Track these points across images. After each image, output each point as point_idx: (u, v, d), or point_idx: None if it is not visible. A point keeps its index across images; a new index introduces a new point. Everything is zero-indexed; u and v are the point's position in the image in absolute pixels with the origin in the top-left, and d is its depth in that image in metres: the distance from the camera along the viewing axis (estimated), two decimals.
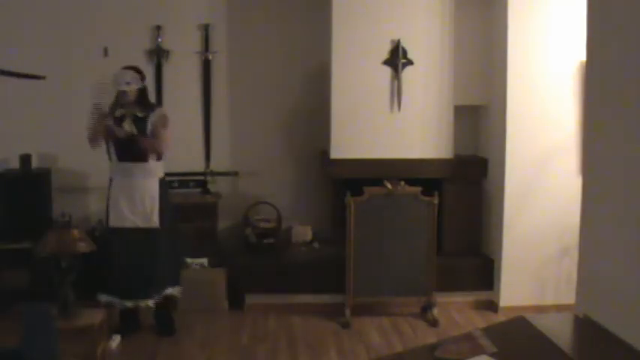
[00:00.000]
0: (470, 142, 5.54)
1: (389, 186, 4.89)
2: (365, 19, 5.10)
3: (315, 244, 5.48)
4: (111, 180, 4.64)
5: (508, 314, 4.67)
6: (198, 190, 5.56)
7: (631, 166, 2.79)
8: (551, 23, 4.94)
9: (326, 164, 5.30)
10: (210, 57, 5.63)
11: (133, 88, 4.51)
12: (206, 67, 5.64)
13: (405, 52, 5.13)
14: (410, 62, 5.12)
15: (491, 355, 2.64)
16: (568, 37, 4.90)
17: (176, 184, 5.51)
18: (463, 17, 5.24)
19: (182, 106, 5.65)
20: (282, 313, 5.07)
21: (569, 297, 4.29)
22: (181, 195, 5.51)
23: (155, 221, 4.54)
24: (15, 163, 5.30)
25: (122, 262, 4.52)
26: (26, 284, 5.02)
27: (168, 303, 4.71)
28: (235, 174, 5.67)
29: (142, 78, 4.60)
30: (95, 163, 5.54)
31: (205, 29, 5.60)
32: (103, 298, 4.55)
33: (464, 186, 5.22)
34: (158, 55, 5.58)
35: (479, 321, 4.94)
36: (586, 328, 3.01)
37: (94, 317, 4.02)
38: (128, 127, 4.49)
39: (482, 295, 5.25)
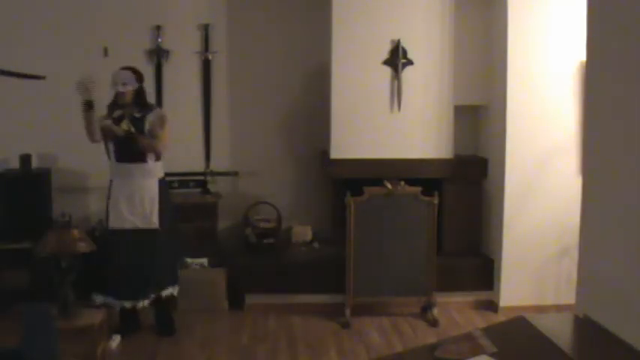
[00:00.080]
0: (470, 142, 5.54)
1: (389, 186, 4.89)
2: (365, 19, 5.10)
3: (315, 244, 5.48)
4: (111, 181, 4.64)
5: (508, 314, 4.67)
6: (198, 190, 5.56)
7: (631, 166, 2.79)
8: (551, 23, 4.94)
9: (326, 164, 5.30)
10: (210, 57, 5.63)
11: (129, 89, 4.51)
12: (206, 67, 5.64)
13: (405, 52, 5.13)
14: (410, 62, 5.12)
15: (491, 355, 2.64)
16: (568, 37, 4.90)
17: (176, 184, 5.51)
18: (463, 17, 5.24)
19: (182, 106, 5.65)
20: (282, 313, 5.07)
21: (569, 297, 4.30)
22: (181, 195, 5.51)
23: (155, 222, 4.54)
24: (15, 163, 5.30)
25: (122, 262, 4.52)
26: (26, 284, 5.02)
27: (168, 303, 4.71)
28: (235, 174, 5.67)
29: (139, 78, 4.59)
30: (95, 163, 5.54)
31: (205, 29, 5.60)
32: (99, 299, 4.54)
33: (464, 186, 5.22)
34: (158, 55, 5.58)
35: (479, 321, 4.94)
36: (586, 328, 3.01)
37: (94, 317, 4.03)
38: (126, 127, 4.49)
39: (483, 295, 5.25)
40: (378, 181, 4.92)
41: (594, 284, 3.09)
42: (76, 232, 4.04)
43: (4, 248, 5.04)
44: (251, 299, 5.17)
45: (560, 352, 2.68)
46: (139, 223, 4.53)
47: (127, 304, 4.53)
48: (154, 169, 4.61)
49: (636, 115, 2.74)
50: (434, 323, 4.87)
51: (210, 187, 5.57)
